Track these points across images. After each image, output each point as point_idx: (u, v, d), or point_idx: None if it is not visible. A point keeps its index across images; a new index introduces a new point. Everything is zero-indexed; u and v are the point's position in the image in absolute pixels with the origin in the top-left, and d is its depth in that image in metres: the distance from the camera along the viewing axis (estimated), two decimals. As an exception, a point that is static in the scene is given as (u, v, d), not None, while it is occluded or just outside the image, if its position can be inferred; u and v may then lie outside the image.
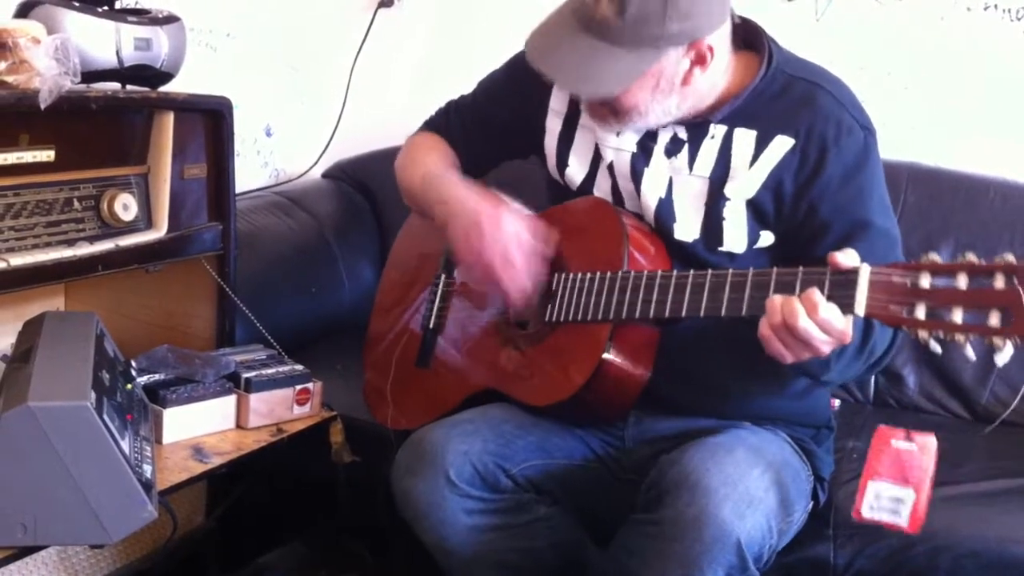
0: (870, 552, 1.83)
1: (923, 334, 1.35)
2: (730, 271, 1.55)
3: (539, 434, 1.78)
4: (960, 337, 1.34)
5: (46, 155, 1.76)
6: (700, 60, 1.62)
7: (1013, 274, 1.31)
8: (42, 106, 1.64)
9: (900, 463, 1.52)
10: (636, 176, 1.75)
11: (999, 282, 1.31)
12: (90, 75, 1.82)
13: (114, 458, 1.51)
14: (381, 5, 3.06)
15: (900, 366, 2.39)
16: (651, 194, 1.74)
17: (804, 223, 1.68)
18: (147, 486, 1.57)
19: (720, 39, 1.65)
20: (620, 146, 1.76)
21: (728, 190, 1.70)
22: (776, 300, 1.45)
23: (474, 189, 1.80)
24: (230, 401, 1.96)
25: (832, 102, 1.69)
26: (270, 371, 2.00)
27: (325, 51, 3.07)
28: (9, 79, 1.65)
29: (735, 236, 1.71)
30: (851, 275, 1.41)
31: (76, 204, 1.84)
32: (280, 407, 2.00)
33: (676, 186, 1.73)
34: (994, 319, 1.31)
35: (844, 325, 1.42)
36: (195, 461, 1.84)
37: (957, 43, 2.51)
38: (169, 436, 1.88)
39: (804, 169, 1.67)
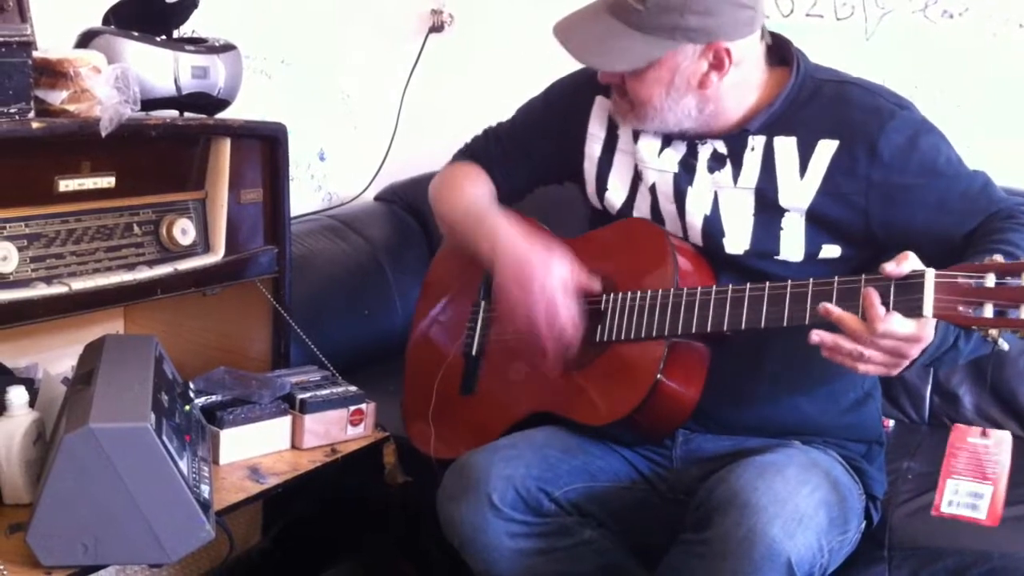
0: (926, 574, 1.81)
1: (993, 332, 1.38)
2: (789, 283, 1.55)
3: (583, 457, 1.78)
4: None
5: (107, 182, 1.80)
6: (718, 65, 1.66)
7: None
8: (103, 134, 1.68)
9: (977, 459, 1.53)
10: (680, 195, 1.76)
11: None
12: (149, 103, 1.86)
13: (173, 478, 1.54)
14: (432, 30, 3.09)
15: (955, 385, 2.36)
16: (696, 211, 1.75)
17: (891, 219, 1.67)
18: (205, 506, 1.60)
19: (744, 51, 1.67)
20: (663, 167, 1.78)
21: (784, 201, 1.70)
22: (847, 321, 1.45)
23: (521, 230, 1.81)
24: (285, 422, 1.99)
25: (863, 92, 1.71)
26: (324, 392, 2.03)
27: (377, 76, 3.11)
28: (71, 108, 1.69)
29: (792, 246, 1.71)
30: (916, 278, 1.43)
31: (136, 229, 1.88)
32: (335, 428, 2.02)
33: (722, 201, 1.74)
34: None
35: (913, 329, 1.43)
36: (251, 481, 1.86)
37: (1010, 60, 2.49)
38: (226, 457, 1.91)
39: (858, 167, 1.67)
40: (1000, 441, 1.54)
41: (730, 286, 1.62)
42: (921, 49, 2.56)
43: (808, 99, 1.72)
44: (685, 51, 1.65)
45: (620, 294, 1.75)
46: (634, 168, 1.83)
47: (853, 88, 1.72)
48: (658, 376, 1.67)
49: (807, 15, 2.66)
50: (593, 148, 1.88)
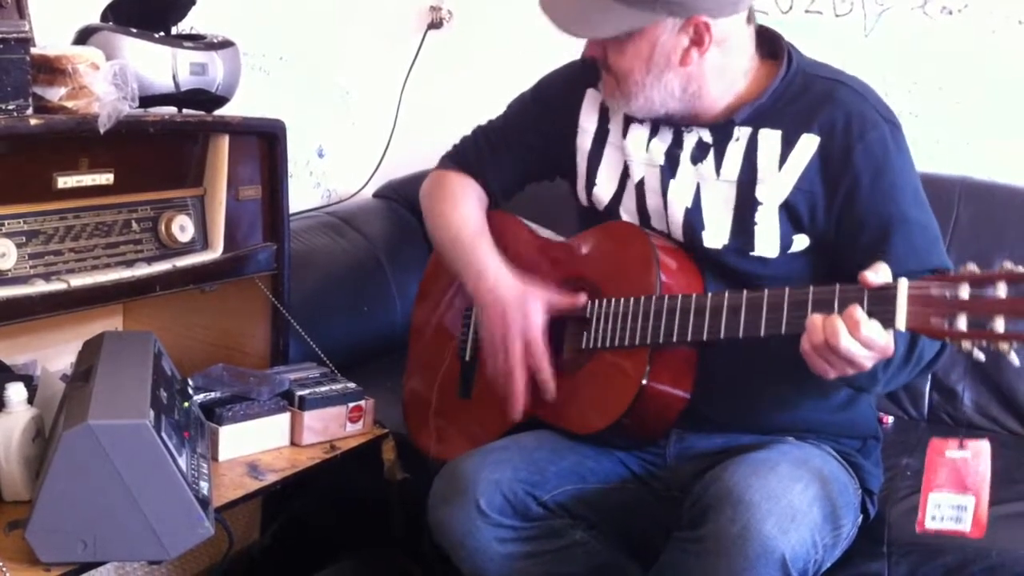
0: (925, 571, 1.80)
1: (966, 344, 1.36)
2: (766, 291, 1.55)
3: (573, 459, 1.77)
4: (1004, 346, 1.34)
5: (105, 178, 1.80)
6: (698, 41, 1.65)
7: None
8: (101, 131, 1.67)
9: (957, 472, 1.52)
10: (664, 189, 1.76)
11: None
12: (147, 100, 1.85)
13: (172, 475, 1.54)
14: (431, 27, 3.09)
15: (955, 382, 2.36)
16: (678, 204, 1.75)
17: (839, 224, 1.68)
18: (204, 503, 1.60)
19: (727, 30, 1.66)
20: (650, 160, 1.78)
21: (760, 194, 1.70)
22: (817, 319, 1.46)
23: (503, 269, 1.84)
24: (284, 419, 1.99)
25: (854, 96, 1.70)
26: (323, 389, 2.03)
27: (375, 72, 3.10)
28: (69, 104, 1.68)
29: (767, 241, 1.71)
30: (889, 290, 1.41)
31: (134, 226, 1.88)
32: (333, 424, 2.02)
33: (704, 193, 1.74)
34: None
35: (886, 340, 1.43)
36: (250, 478, 1.86)
37: (1009, 57, 2.49)
38: (225, 453, 1.91)
39: (831, 168, 1.67)
40: (978, 452, 1.52)
41: (710, 294, 1.62)
42: (920, 46, 2.56)
43: (797, 94, 1.71)
44: (665, 25, 1.63)
45: (605, 301, 1.75)
46: (623, 164, 1.82)
47: (845, 89, 1.71)
48: (643, 382, 1.66)
49: (806, 11, 2.66)
50: (584, 142, 1.87)
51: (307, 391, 2.00)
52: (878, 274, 1.43)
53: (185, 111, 1.97)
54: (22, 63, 1.61)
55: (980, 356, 1.37)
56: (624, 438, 1.77)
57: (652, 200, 1.78)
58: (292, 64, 2.82)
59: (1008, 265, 1.34)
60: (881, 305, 1.42)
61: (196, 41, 1.96)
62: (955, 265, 1.65)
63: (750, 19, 1.71)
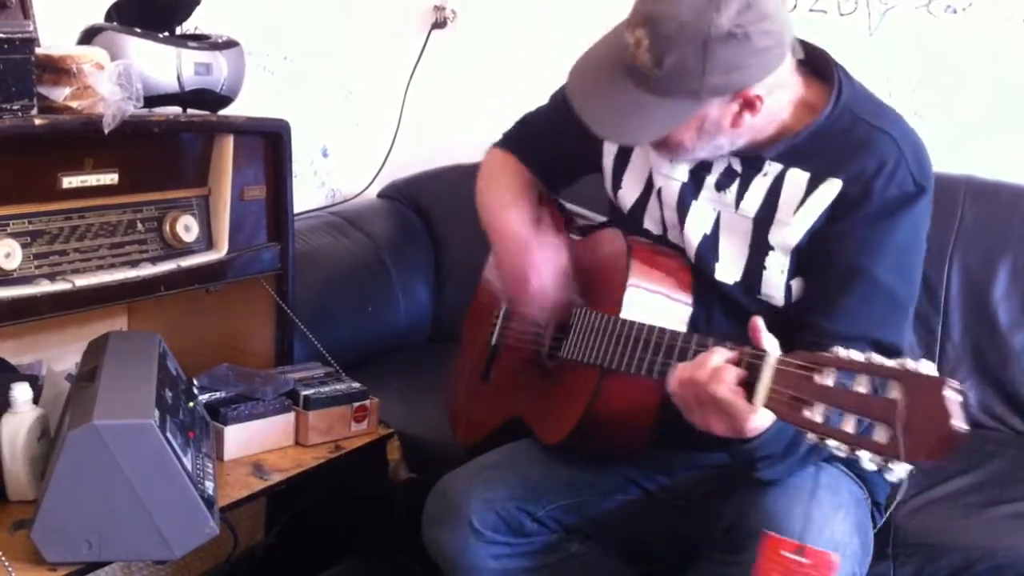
0: (931, 571, 1.81)
1: (812, 437, 1.21)
2: (695, 336, 1.48)
3: (569, 472, 1.75)
4: (859, 452, 1.16)
5: (110, 178, 1.80)
6: (749, 106, 1.54)
7: (904, 383, 1.14)
8: (106, 131, 1.67)
9: None
10: (683, 208, 1.69)
11: (893, 391, 1.15)
12: (152, 100, 1.86)
13: (177, 475, 1.54)
14: (435, 26, 3.08)
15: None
16: (695, 230, 1.68)
17: (813, 254, 1.61)
18: (209, 502, 1.60)
19: (774, 82, 1.54)
20: (671, 174, 1.71)
21: (772, 238, 1.63)
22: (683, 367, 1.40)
23: (523, 223, 1.81)
24: (289, 418, 1.99)
25: (892, 148, 1.58)
26: (328, 389, 2.03)
27: (380, 73, 3.10)
28: (74, 104, 1.68)
29: (774, 286, 1.63)
30: (757, 359, 1.31)
31: (139, 226, 1.88)
32: (338, 424, 2.02)
33: (723, 222, 1.67)
34: (880, 434, 1.14)
35: (741, 411, 1.33)
36: (255, 478, 1.87)
37: (1013, 56, 2.48)
38: (230, 453, 1.91)
39: (840, 208, 1.58)
40: (821, 563, 1.37)
41: (656, 328, 1.53)
42: (924, 45, 2.55)
43: (838, 136, 1.60)
44: (712, 103, 1.52)
45: (585, 311, 1.70)
46: (648, 170, 1.76)
47: (885, 139, 1.58)
48: (594, 393, 1.62)
49: (810, 10, 2.65)
50: (611, 144, 1.80)
51: (312, 391, 2.00)
52: (764, 338, 1.33)
53: (190, 111, 1.97)
54: (27, 63, 1.61)
55: (840, 452, 1.18)
56: (599, 446, 1.71)
57: (668, 214, 1.72)
58: (296, 64, 2.82)
59: (874, 357, 1.18)
60: (750, 373, 1.33)
61: (200, 41, 1.97)
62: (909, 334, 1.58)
63: (794, 51, 1.59)
